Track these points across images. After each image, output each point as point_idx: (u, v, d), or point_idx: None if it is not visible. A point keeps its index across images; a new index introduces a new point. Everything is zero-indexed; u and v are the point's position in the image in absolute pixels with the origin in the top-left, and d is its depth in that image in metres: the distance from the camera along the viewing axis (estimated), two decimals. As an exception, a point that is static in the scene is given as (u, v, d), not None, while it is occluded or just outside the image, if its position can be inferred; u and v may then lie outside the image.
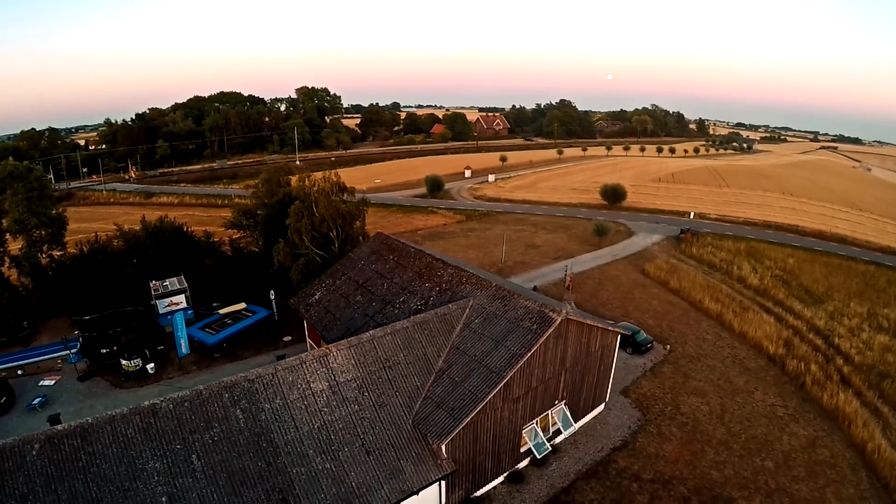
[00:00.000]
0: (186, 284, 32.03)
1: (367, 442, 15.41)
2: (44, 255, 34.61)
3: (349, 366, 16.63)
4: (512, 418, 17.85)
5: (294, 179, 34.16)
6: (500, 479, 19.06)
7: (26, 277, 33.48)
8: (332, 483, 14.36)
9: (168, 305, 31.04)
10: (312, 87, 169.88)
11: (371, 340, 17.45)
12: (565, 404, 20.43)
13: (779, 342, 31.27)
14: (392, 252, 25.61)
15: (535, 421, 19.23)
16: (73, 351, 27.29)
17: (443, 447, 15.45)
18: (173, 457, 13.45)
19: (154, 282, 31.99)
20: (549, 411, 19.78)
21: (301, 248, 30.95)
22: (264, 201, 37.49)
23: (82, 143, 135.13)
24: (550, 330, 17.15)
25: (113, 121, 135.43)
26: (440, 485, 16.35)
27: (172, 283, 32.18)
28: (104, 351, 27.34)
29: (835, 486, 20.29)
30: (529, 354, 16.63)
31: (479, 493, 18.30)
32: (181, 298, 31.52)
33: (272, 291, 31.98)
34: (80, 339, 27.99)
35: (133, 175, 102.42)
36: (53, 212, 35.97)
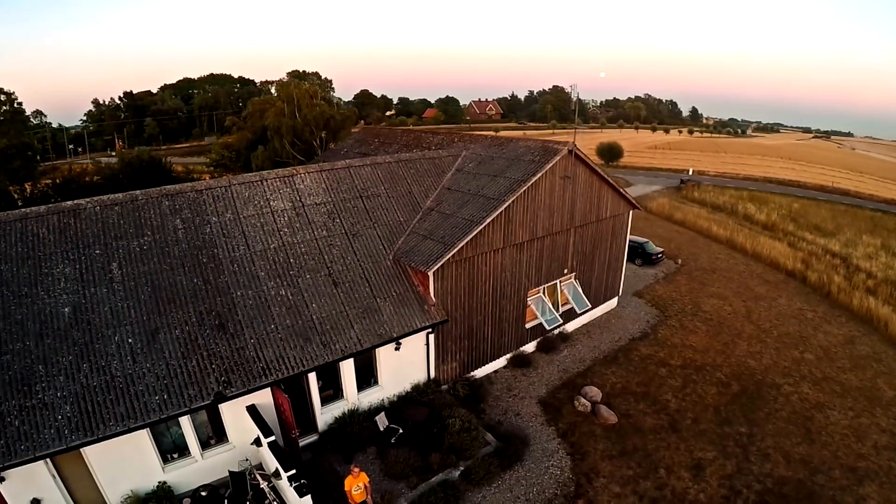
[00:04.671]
0: None
1: (336, 273, 12.10)
2: (15, 189, 31.73)
3: (319, 190, 13.41)
4: (515, 272, 14.68)
5: (279, 87, 31.28)
6: (503, 361, 15.89)
7: None
8: (287, 313, 11.04)
9: None
10: (303, 71, 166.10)
11: (347, 168, 14.22)
12: (575, 278, 17.37)
13: (796, 259, 28.93)
14: (378, 137, 22.43)
15: (542, 288, 16.11)
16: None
17: (430, 276, 12.17)
18: (89, 262, 10.40)
19: None
20: (558, 282, 16.68)
21: (282, 154, 27.80)
22: (248, 135, 34.62)
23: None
24: (557, 158, 14.09)
25: (101, 101, 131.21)
26: (428, 344, 13.12)
27: None
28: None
29: (885, 378, 17.60)
30: (535, 179, 13.52)
31: (477, 372, 15.11)
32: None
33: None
34: None
35: (120, 150, 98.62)
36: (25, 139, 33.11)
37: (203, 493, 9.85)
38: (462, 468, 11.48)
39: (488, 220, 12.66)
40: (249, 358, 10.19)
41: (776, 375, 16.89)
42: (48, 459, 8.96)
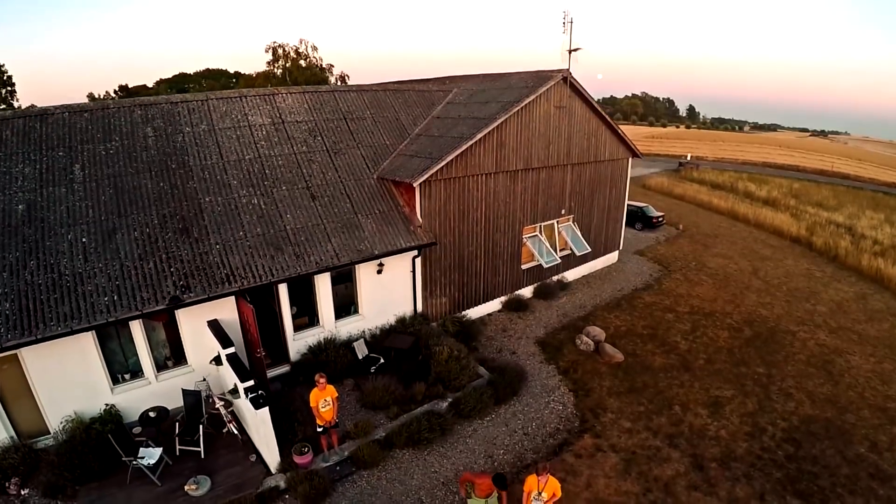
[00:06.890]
0: None
1: (315, 186, 11.08)
2: None
3: (301, 110, 12.54)
4: (509, 202, 13.67)
5: (268, 48, 30.11)
6: (497, 304, 14.85)
7: None
8: (258, 221, 10.01)
9: None
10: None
11: (331, 92, 13.43)
12: (574, 221, 16.39)
13: (800, 227, 28.08)
14: (363, 91, 21.51)
15: (538, 227, 15.12)
16: None
17: (416, 191, 11.15)
18: (50, 163, 9.66)
19: None
20: (555, 222, 15.70)
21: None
22: None
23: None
24: (551, 83, 13.23)
25: (96, 95, 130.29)
26: (414, 271, 12.06)
27: None
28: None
29: (903, 329, 16.69)
30: (527, 101, 12.63)
31: (469, 312, 14.01)
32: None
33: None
34: None
35: None
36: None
37: (152, 415, 8.72)
38: (450, 399, 10.36)
39: (479, 136, 11.70)
40: (213, 263, 9.14)
41: (790, 323, 15.90)
42: (-20, 367, 7.91)
